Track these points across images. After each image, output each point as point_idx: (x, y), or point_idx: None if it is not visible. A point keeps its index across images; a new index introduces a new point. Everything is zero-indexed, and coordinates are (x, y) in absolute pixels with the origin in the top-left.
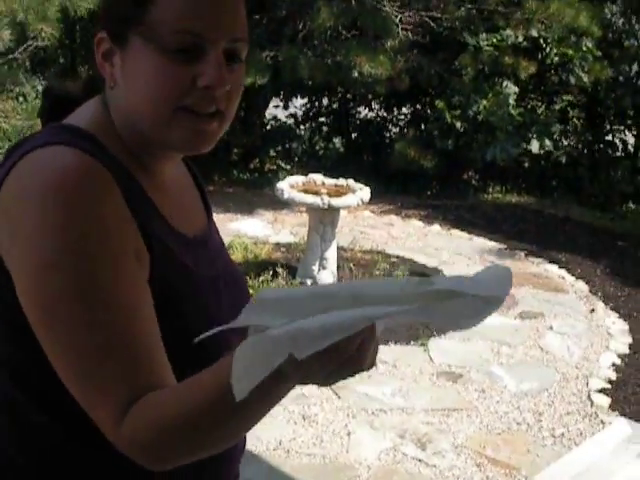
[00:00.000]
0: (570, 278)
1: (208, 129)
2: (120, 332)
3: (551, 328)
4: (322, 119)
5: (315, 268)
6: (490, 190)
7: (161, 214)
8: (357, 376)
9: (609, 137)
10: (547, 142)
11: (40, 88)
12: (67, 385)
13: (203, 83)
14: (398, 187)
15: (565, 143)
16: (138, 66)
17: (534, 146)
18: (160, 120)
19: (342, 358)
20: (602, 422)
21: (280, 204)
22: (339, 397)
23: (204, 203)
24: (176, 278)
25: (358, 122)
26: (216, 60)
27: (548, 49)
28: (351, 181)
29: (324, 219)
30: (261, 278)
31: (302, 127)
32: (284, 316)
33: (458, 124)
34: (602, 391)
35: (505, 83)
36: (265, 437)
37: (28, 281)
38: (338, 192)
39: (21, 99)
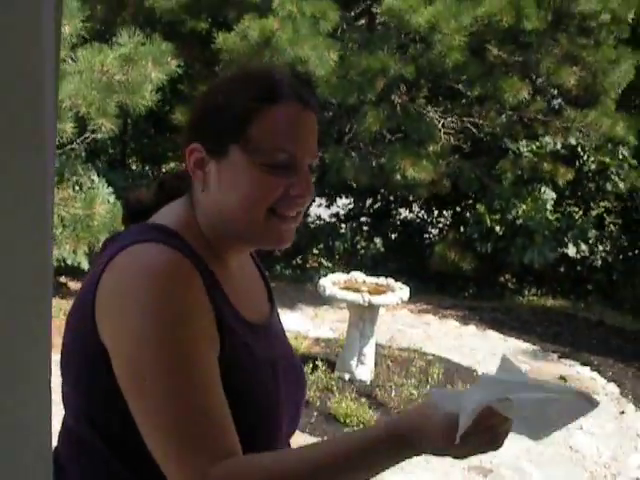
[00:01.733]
0: (601, 380)
1: (291, 229)
2: (200, 404)
3: (581, 428)
4: (364, 219)
5: (353, 363)
6: (526, 293)
7: (230, 301)
8: (390, 469)
9: None
10: (583, 247)
11: (95, 178)
12: (151, 448)
13: (296, 193)
14: (436, 287)
15: (601, 248)
16: (237, 175)
17: (570, 250)
18: (256, 223)
19: (493, 434)
20: None
21: (321, 300)
22: None
23: (268, 292)
24: (241, 358)
25: (399, 223)
26: (305, 175)
27: (585, 157)
28: (391, 280)
29: (364, 316)
30: None
31: (344, 226)
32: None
33: (497, 228)
34: None
35: (543, 189)
36: None
37: (126, 356)
38: (378, 290)
39: (77, 188)
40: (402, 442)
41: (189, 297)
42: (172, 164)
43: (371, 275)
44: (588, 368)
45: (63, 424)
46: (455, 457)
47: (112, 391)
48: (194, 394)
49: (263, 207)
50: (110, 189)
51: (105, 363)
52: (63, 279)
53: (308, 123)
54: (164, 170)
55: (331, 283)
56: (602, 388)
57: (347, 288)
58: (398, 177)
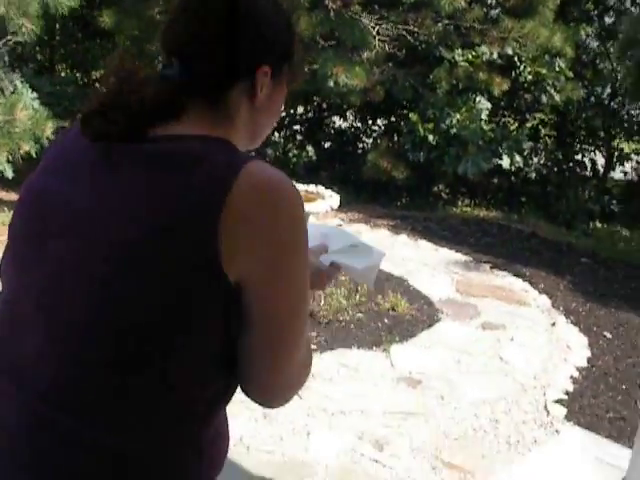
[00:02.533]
0: (533, 292)
1: None
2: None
3: (512, 339)
4: (297, 127)
5: None
6: (459, 203)
7: None
8: (318, 377)
9: (578, 156)
10: (517, 158)
11: (18, 83)
12: (272, 351)
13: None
14: (368, 196)
15: (535, 160)
16: (280, 95)
17: (505, 162)
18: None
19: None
20: (557, 431)
21: None
22: (300, 397)
23: None
24: None
25: (332, 131)
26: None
27: (522, 67)
28: (321, 188)
29: None
30: None
31: (277, 134)
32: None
33: (430, 137)
34: (559, 402)
35: (478, 99)
36: None
37: (289, 284)
38: (308, 198)
39: None
40: None
41: None
42: (102, 70)
43: (303, 183)
44: (520, 280)
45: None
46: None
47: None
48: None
49: None
50: (35, 94)
51: (218, 274)
52: None
53: None
54: (94, 77)
55: None
56: (534, 300)
57: None
58: (331, 84)
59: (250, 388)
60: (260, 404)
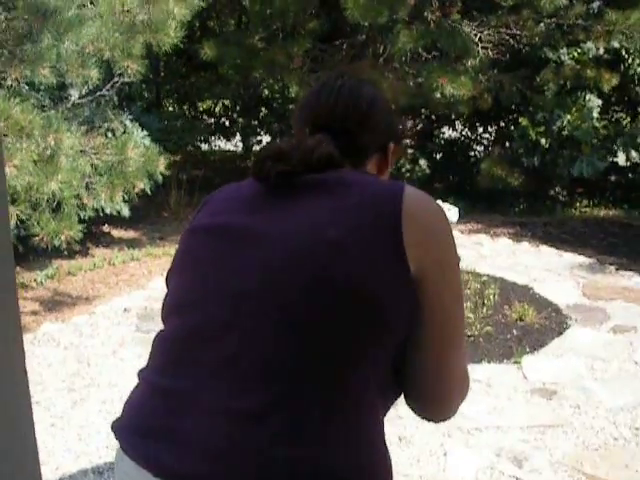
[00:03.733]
0: None
1: None
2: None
3: None
4: (407, 141)
5: None
6: (578, 205)
7: None
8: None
9: None
10: (633, 154)
11: (128, 123)
12: (444, 362)
13: None
14: (485, 206)
15: None
16: (387, 167)
17: (620, 158)
18: None
19: None
20: None
21: None
22: None
23: None
24: None
25: (442, 142)
26: None
27: (630, 60)
28: (439, 201)
29: None
30: None
31: None
32: None
33: (543, 140)
34: None
35: (588, 97)
36: None
37: (452, 280)
38: None
39: (110, 135)
40: None
41: None
42: (208, 102)
43: None
44: None
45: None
46: None
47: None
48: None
49: None
50: (144, 132)
51: (408, 282)
52: (106, 228)
53: None
54: (200, 108)
55: None
56: None
57: None
58: (438, 95)
59: (417, 395)
60: (425, 413)
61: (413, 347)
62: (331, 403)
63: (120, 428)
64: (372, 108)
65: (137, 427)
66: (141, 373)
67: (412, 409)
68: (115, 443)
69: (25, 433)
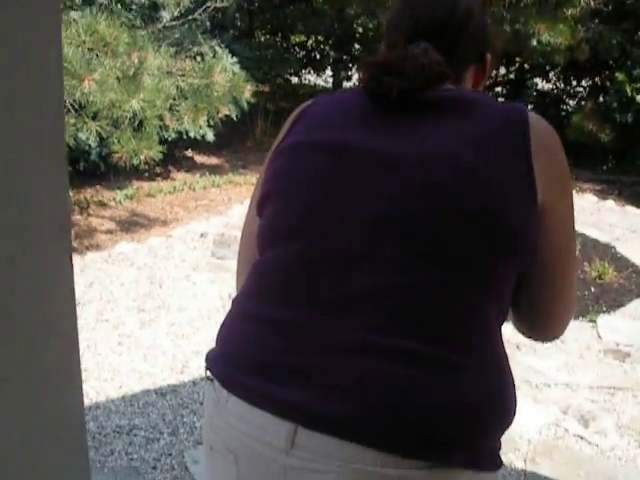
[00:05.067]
0: None
1: None
2: None
3: None
4: (498, 89)
5: None
6: None
7: None
8: (523, 348)
9: None
10: None
11: (218, 48)
12: (558, 287)
13: None
14: (573, 160)
15: None
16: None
17: None
18: None
19: None
20: None
21: None
22: None
23: None
24: None
25: (535, 93)
26: None
27: None
28: None
29: None
30: None
31: None
32: None
33: (639, 97)
34: None
35: None
36: None
37: (571, 208)
38: None
39: (199, 59)
40: None
41: None
42: (301, 35)
43: None
44: None
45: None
46: None
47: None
48: None
49: None
50: (234, 59)
51: (535, 207)
52: (189, 152)
53: None
54: (293, 41)
55: None
56: None
57: None
58: (534, 43)
59: (528, 318)
60: (534, 335)
61: (534, 271)
62: (471, 332)
63: (222, 364)
64: (470, 15)
65: (248, 364)
66: (238, 302)
67: (521, 331)
68: (179, 366)
69: (69, 354)
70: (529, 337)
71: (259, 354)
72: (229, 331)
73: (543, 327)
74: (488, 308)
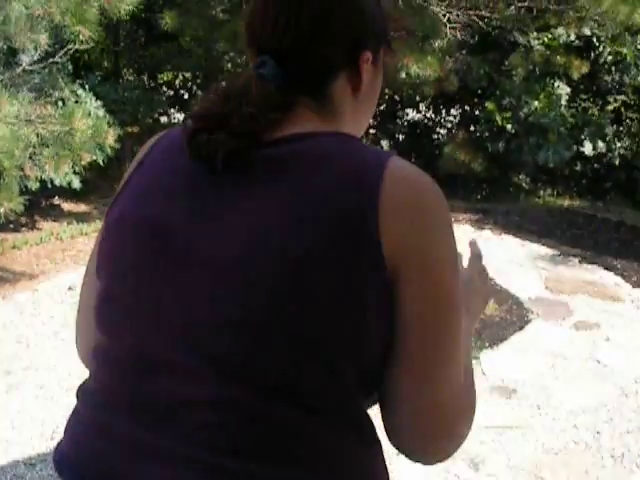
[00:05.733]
0: (626, 286)
1: None
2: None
3: (608, 339)
4: (370, 121)
5: None
6: (542, 193)
7: None
8: None
9: None
10: (600, 144)
11: (81, 92)
12: (432, 381)
13: None
14: (447, 191)
15: (619, 145)
16: (379, 80)
17: (587, 148)
18: None
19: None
20: None
21: None
22: None
23: None
24: None
25: (406, 124)
26: None
27: (601, 48)
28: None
29: None
30: None
31: None
32: None
33: (509, 126)
34: None
35: (557, 83)
36: None
37: (441, 282)
38: None
39: (60, 104)
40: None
41: None
42: (169, 74)
43: None
44: (612, 273)
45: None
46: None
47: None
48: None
49: None
50: (98, 103)
51: (382, 271)
52: (56, 200)
53: None
54: (160, 80)
55: None
56: (628, 295)
57: None
58: (402, 75)
59: (398, 429)
60: (411, 453)
61: (389, 367)
62: (294, 445)
63: (66, 468)
64: (327, 10)
65: (86, 471)
66: (82, 394)
67: (396, 447)
68: (49, 432)
69: None
70: (408, 456)
71: (98, 462)
72: (74, 428)
73: (417, 441)
74: (312, 420)
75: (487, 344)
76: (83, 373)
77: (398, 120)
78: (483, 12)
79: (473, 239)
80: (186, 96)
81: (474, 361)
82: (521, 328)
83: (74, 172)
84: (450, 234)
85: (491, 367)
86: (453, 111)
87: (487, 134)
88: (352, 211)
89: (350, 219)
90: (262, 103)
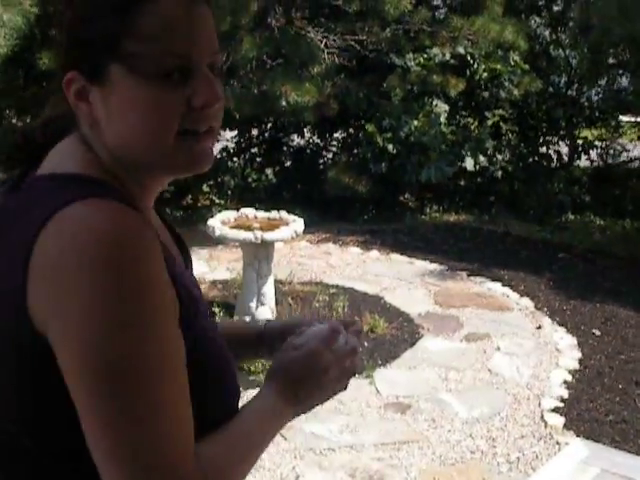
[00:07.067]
0: (514, 295)
1: (207, 147)
2: (168, 404)
3: (498, 349)
4: (254, 150)
5: (253, 305)
6: (427, 211)
7: (173, 256)
8: (303, 415)
9: (543, 149)
10: (481, 158)
11: None
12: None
13: (199, 103)
14: (334, 214)
15: (499, 158)
16: (125, 99)
17: (468, 163)
18: (163, 149)
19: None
20: (557, 443)
21: (215, 240)
22: (285, 438)
23: (177, 241)
24: (203, 324)
25: (291, 150)
26: (206, 78)
27: (476, 65)
28: (284, 213)
29: (258, 254)
30: None
31: (235, 160)
32: None
33: (390, 147)
34: (555, 410)
35: (435, 102)
36: None
37: (79, 351)
38: (271, 225)
39: None
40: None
41: (156, 265)
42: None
43: (267, 208)
44: (499, 284)
45: None
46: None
47: (56, 391)
48: (159, 393)
49: (169, 130)
50: None
51: (46, 357)
52: None
53: (199, 14)
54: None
55: (220, 223)
56: (516, 304)
57: (238, 226)
58: (283, 103)
59: None
60: None
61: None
62: None
63: None
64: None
65: None
66: None
67: None
68: None
69: None
70: None
71: None
72: None
73: None
74: None
75: (380, 362)
76: None
77: (284, 147)
78: (359, 36)
79: (358, 323)
80: None
81: (368, 380)
82: (413, 344)
83: None
84: (106, 292)
85: (385, 384)
86: (336, 135)
87: (369, 155)
88: (11, 282)
89: (6, 293)
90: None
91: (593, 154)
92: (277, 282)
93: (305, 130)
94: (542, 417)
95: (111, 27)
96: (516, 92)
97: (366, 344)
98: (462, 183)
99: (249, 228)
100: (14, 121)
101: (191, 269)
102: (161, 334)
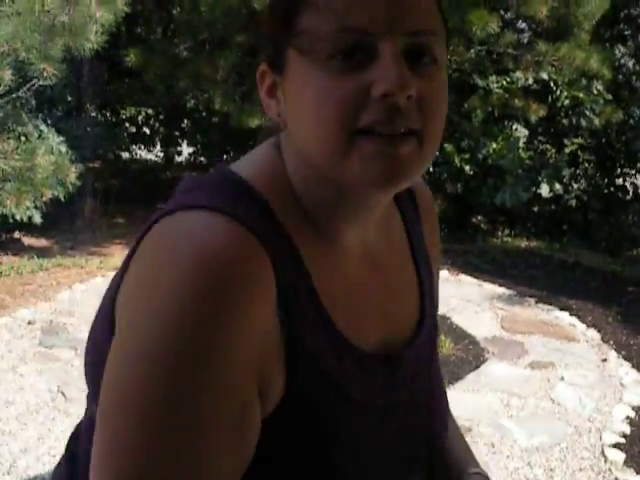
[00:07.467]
0: (581, 326)
1: (401, 154)
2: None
3: (562, 379)
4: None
5: None
6: (499, 234)
7: (327, 316)
8: None
9: (619, 180)
10: (557, 186)
11: (44, 128)
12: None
13: (379, 91)
14: None
15: (575, 187)
16: (299, 89)
17: (544, 190)
18: (335, 150)
19: None
20: (616, 479)
21: None
22: None
23: (421, 296)
24: (323, 413)
25: None
26: (392, 59)
27: (558, 92)
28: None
29: None
30: None
31: None
32: None
33: (467, 168)
34: (616, 446)
35: (515, 126)
36: None
37: (113, 372)
38: None
39: (23, 139)
40: None
41: (243, 325)
42: (132, 110)
43: None
44: (567, 313)
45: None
46: None
47: None
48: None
49: (342, 125)
50: (61, 138)
51: None
52: (17, 235)
53: None
54: (123, 116)
55: None
56: (582, 334)
57: None
58: None
59: None
60: None
61: None
62: None
63: None
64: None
65: None
66: None
67: None
68: (6, 466)
69: None
70: None
71: None
72: None
73: None
74: None
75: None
76: (41, 407)
77: None
78: None
79: None
80: (148, 132)
81: None
82: (477, 367)
83: (35, 207)
84: (160, 330)
85: None
86: None
87: (446, 175)
88: (110, 289)
89: (105, 300)
90: None
91: None
92: None
93: None
94: (602, 452)
95: (285, 11)
96: (597, 121)
97: None
98: (536, 209)
99: None
100: (93, 115)
101: (426, 339)
102: (203, 411)
